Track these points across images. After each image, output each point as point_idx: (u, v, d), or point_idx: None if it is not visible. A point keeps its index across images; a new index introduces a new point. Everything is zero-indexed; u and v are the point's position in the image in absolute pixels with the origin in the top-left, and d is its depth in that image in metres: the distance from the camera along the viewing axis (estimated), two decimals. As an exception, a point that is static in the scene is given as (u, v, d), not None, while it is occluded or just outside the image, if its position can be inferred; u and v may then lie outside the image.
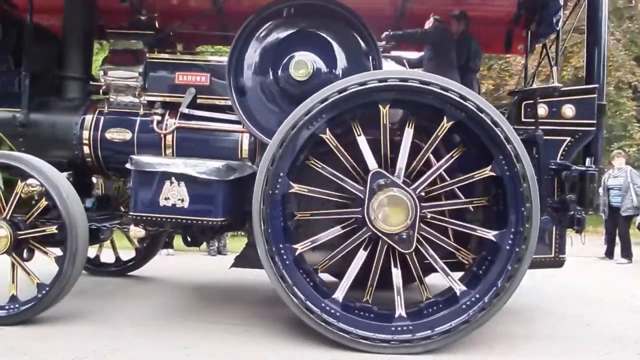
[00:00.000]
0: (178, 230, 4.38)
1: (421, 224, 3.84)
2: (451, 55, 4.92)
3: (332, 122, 3.83)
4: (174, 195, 3.85)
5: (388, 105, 3.75)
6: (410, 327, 3.74)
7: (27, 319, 4.02)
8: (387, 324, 3.76)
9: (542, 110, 4.30)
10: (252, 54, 4.25)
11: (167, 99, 4.48)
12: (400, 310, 3.78)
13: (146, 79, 4.48)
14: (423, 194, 3.83)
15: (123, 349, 3.56)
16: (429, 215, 3.84)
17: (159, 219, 3.92)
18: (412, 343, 3.69)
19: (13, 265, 4.12)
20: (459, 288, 3.83)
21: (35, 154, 4.52)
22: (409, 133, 3.87)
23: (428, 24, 5.01)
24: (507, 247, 3.77)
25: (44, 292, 3.97)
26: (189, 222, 3.90)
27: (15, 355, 3.41)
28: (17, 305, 4.05)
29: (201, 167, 3.82)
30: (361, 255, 3.90)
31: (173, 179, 3.84)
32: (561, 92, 4.33)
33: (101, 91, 4.58)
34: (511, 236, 3.76)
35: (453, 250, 4.03)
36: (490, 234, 3.83)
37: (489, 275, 3.81)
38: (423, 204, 3.80)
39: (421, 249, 3.89)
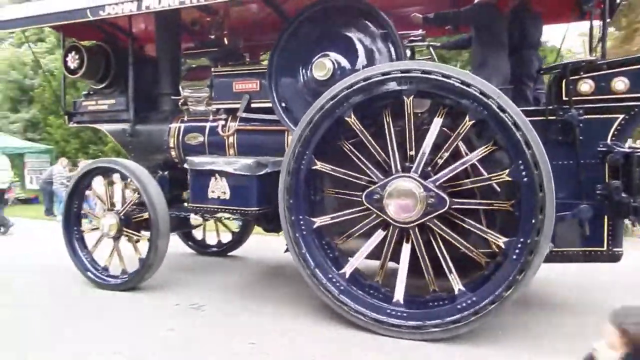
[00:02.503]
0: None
1: (436, 219, 3.88)
2: (500, 36, 4.55)
3: (359, 109, 4.06)
4: (219, 188, 4.55)
5: (412, 97, 3.84)
6: (405, 314, 3.87)
7: (134, 285, 5.12)
8: (384, 306, 3.94)
9: (586, 86, 3.92)
10: (287, 56, 4.67)
11: (229, 106, 5.18)
12: (399, 296, 3.91)
13: (212, 90, 5.24)
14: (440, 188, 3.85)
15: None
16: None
17: (209, 209, 4.66)
18: (401, 329, 3.84)
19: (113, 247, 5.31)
20: (458, 287, 3.83)
21: (141, 158, 5.69)
22: (437, 123, 3.90)
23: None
24: (514, 257, 3.64)
25: (142, 264, 5.03)
26: (231, 211, 4.56)
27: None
28: (126, 276, 5.19)
29: (236, 165, 4.45)
30: (377, 236, 4.10)
31: (217, 175, 4.55)
32: (611, 64, 3.88)
33: (180, 103, 5.48)
34: (519, 245, 3.63)
35: (465, 249, 3.93)
36: (500, 240, 3.72)
37: (492, 281, 3.74)
38: (434, 200, 3.82)
39: (433, 243, 3.94)
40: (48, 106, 20.05)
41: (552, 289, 5.17)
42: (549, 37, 11.12)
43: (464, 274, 4.03)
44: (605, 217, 3.90)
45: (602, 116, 3.90)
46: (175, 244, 6.73)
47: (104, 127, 6.09)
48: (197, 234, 7.12)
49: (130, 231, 5.20)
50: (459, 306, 3.73)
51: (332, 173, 4.23)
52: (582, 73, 3.93)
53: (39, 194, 15.41)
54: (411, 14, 4.82)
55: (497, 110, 3.60)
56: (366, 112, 4.17)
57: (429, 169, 4.00)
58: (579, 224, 3.87)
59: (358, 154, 4.17)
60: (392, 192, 3.90)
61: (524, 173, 3.59)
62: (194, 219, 4.94)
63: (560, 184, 3.88)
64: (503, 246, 3.70)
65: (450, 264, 3.88)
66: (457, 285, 3.83)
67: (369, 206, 4.03)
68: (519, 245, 3.63)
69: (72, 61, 5.68)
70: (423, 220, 3.88)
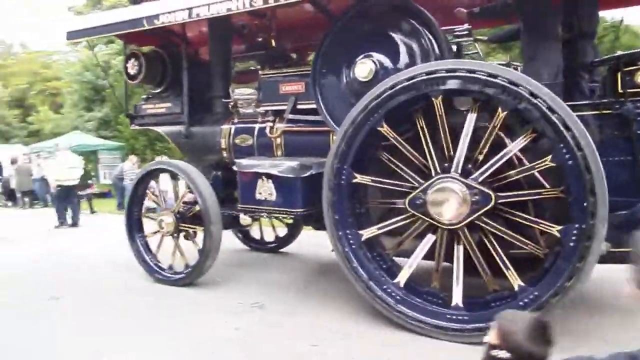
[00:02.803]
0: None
1: (484, 217, 3.81)
2: (551, 27, 4.32)
3: (392, 116, 4.04)
4: (265, 190, 4.69)
5: (440, 97, 3.80)
6: (466, 318, 3.80)
7: (197, 277, 5.39)
8: (443, 311, 3.90)
9: (643, 77, 3.69)
10: (331, 58, 4.72)
11: (277, 107, 5.30)
12: (457, 300, 3.85)
13: (260, 92, 5.38)
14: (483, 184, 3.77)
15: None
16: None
17: (256, 209, 4.81)
18: (464, 333, 3.76)
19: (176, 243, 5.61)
20: (518, 283, 3.71)
21: (195, 159, 5.96)
22: (471, 119, 3.84)
23: None
24: (571, 244, 3.48)
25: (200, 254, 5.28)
26: (278, 212, 4.68)
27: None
28: (189, 269, 5.45)
29: (281, 167, 4.57)
30: (427, 241, 4.08)
31: (263, 177, 4.69)
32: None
33: (230, 105, 5.66)
34: (575, 232, 3.46)
35: (520, 243, 3.82)
36: (554, 229, 3.58)
37: (551, 272, 3.59)
38: (478, 197, 3.75)
39: (485, 240, 3.87)
40: (118, 105, 21.27)
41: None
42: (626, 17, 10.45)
43: (522, 269, 3.89)
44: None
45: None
46: (230, 241, 7.01)
47: (162, 129, 6.41)
48: (253, 231, 7.37)
49: (187, 225, 5.45)
50: (521, 303, 3.62)
51: (373, 184, 4.25)
52: (639, 64, 3.71)
53: (112, 188, 16.46)
54: (456, 9, 4.71)
55: (530, 97, 3.49)
56: (402, 116, 4.14)
57: (470, 166, 3.91)
58: (636, 224, 3.66)
59: (396, 161, 4.16)
60: (434, 194, 3.86)
61: (567, 156, 3.44)
62: (243, 218, 5.12)
63: (618, 181, 3.72)
64: (558, 235, 3.56)
65: (507, 261, 3.79)
66: (515, 281, 3.72)
67: (414, 212, 4.01)
68: (575, 232, 3.46)
69: (132, 67, 6.01)
70: (471, 219, 3.81)
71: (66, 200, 10.74)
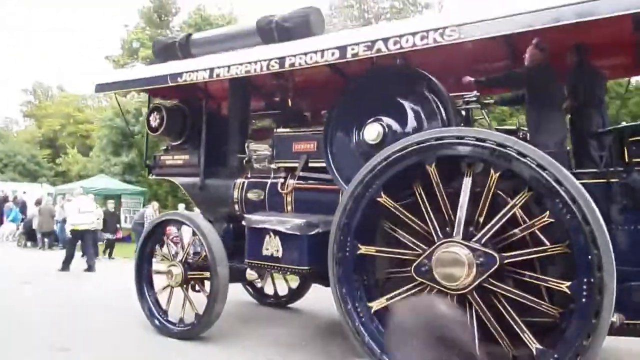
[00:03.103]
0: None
1: (492, 279, 3.76)
2: (554, 97, 4.49)
3: (391, 185, 4.12)
4: (272, 246, 4.74)
5: (434, 164, 3.89)
6: None
7: (204, 330, 5.36)
8: None
9: (653, 148, 3.72)
10: (342, 119, 4.88)
11: (289, 164, 5.44)
12: None
13: (274, 149, 5.54)
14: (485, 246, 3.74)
15: None
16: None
17: (263, 265, 4.85)
18: None
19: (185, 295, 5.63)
20: (536, 347, 3.57)
21: (208, 210, 6.08)
22: (467, 183, 3.87)
23: (528, 52, 4.60)
24: (583, 300, 3.38)
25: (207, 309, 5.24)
26: (283, 268, 4.71)
27: None
28: (196, 320, 5.42)
29: (288, 224, 4.63)
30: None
31: (271, 233, 4.75)
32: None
33: (244, 161, 5.83)
34: (584, 286, 3.37)
35: (533, 304, 3.70)
36: (563, 285, 3.50)
37: (569, 331, 3.46)
38: (483, 259, 3.72)
39: (496, 302, 3.80)
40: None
41: None
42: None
43: (541, 333, 3.79)
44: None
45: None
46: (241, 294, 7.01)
47: (178, 180, 6.59)
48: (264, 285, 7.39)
49: (195, 274, 5.51)
50: None
51: (378, 254, 4.28)
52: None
53: (132, 233, 16.68)
54: (465, 76, 4.86)
55: (519, 157, 3.54)
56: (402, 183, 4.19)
57: (472, 229, 3.90)
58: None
59: (398, 230, 4.19)
60: (438, 260, 3.85)
61: (563, 210, 3.43)
62: (249, 273, 5.16)
63: (629, 251, 3.70)
64: (568, 291, 3.47)
65: (521, 324, 3.67)
66: (533, 345, 3.59)
67: (420, 279, 3.97)
68: (584, 286, 3.37)
69: (154, 120, 6.28)
70: (478, 282, 3.75)
71: (81, 243, 10.96)
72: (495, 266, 3.67)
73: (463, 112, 5.06)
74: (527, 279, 3.71)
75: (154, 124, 6.28)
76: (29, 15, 73.96)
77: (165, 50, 6.21)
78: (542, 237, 3.80)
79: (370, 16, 31.82)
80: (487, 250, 3.71)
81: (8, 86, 62.43)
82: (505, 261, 3.71)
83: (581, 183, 3.77)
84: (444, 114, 4.41)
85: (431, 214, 3.98)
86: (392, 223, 4.28)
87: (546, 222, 3.58)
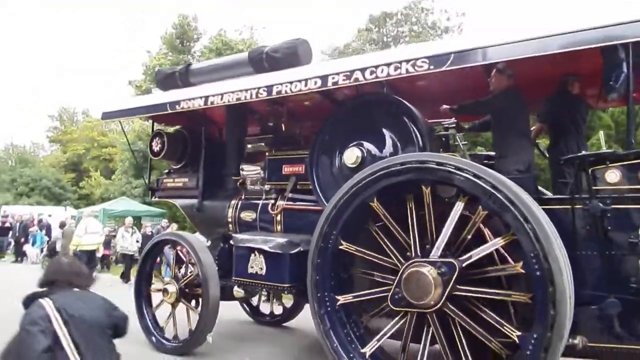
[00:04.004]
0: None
1: (454, 306, 3.86)
2: (518, 122, 4.60)
3: (385, 195, 4.27)
4: (257, 264, 4.97)
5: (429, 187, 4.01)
6: None
7: (196, 345, 5.59)
8: None
9: (613, 176, 3.84)
10: (327, 144, 5.13)
11: (279, 186, 5.69)
12: None
13: (266, 172, 5.81)
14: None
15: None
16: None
17: (248, 283, 5.07)
18: None
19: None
20: (516, 334, 3.62)
21: (205, 231, 6.35)
22: (458, 208, 3.95)
23: (493, 78, 4.78)
24: (527, 352, 3.51)
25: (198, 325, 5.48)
26: (267, 286, 4.92)
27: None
28: (189, 337, 5.66)
29: (271, 243, 4.87)
30: (398, 319, 4.16)
31: (255, 252, 4.98)
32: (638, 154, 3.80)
33: (238, 183, 6.10)
34: (532, 341, 3.49)
35: (483, 338, 3.78)
36: (515, 334, 3.62)
37: (526, 347, 3.54)
38: (444, 269, 3.83)
39: (464, 323, 3.92)
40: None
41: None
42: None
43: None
44: (641, 313, 3.66)
45: (631, 206, 3.77)
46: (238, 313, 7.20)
47: (177, 202, 6.90)
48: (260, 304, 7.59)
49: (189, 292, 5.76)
50: None
51: (357, 254, 4.45)
52: (608, 163, 3.87)
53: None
54: (443, 105, 5.08)
55: (507, 203, 3.62)
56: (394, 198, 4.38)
57: (447, 252, 4.00)
58: (608, 319, 3.66)
59: (383, 237, 4.37)
60: (407, 276, 4.00)
61: (536, 266, 3.52)
62: (237, 291, 5.36)
63: (590, 276, 3.84)
64: (517, 340, 3.61)
65: (468, 353, 3.80)
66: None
67: (398, 309, 4.08)
68: (532, 341, 3.50)
69: (156, 145, 6.63)
70: (446, 294, 3.81)
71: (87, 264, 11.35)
72: (456, 271, 3.77)
73: (444, 139, 5.27)
74: (484, 316, 3.80)
75: (156, 148, 6.63)
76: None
77: (166, 80, 6.59)
78: (507, 255, 3.95)
79: (389, 40, 32.35)
80: (444, 259, 3.86)
81: (35, 113, 64.78)
82: (464, 264, 3.79)
83: (549, 209, 3.95)
84: (420, 140, 4.61)
85: (415, 231, 4.11)
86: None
87: (508, 241, 3.71)
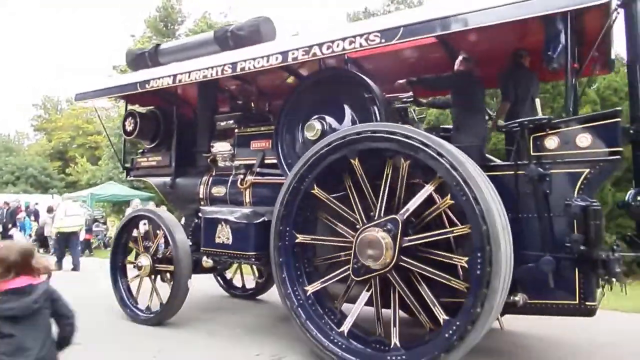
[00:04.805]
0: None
1: (403, 256, 4.12)
2: (475, 100, 4.90)
3: (325, 176, 4.55)
4: (224, 234, 5.18)
5: (357, 158, 4.33)
6: (404, 357, 4.03)
7: (168, 317, 5.80)
8: (384, 354, 4.16)
9: (552, 142, 4.08)
10: (291, 118, 5.32)
11: (248, 162, 5.87)
12: (395, 340, 4.11)
13: (235, 148, 5.98)
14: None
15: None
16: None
17: (216, 252, 5.28)
18: None
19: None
20: (443, 317, 3.94)
21: (179, 206, 6.53)
22: (387, 174, 4.27)
23: (457, 64, 5.05)
24: (477, 272, 3.73)
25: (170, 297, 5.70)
26: (233, 255, 5.14)
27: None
28: (158, 310, 5.89)
29: (237, 214, 5.07)
30: (364, 296, 4.41)
31: (222, 222, 5.18)
32: (575, 121, 4.03)
33: (209, 160, 6.27)
34: (478, 260, 3.72)
35: (444, 280, 4.05)
36: (463, 260, 3.89)
37: (467, 301, 3.82)
38: (389, 226, 4.13)
39: (414, 280, 4.18)
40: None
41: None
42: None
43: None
44: (576, 270, 3.92)
45: (567, 171, 4.01)
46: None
47: (152, 180, 7.06)
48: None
49: (162, 266, 5.95)
50: (446, 335, 3.82)
51: (313, 242, 4.75)
52: (547, 129, 4.10)
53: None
54: (403, 79, 5.28)
55: (449, 168, 3.85)
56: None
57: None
58: (544, 277, 3.92)
59: (330, 218, 4.64)
60: (359, 243, 4.23)
61: (460, 192, 3.78)
62: (205, 261, 5.55)
63: (530, 236, 4.10)
64: (467, 265, 3.84)
65: (432, 297, 4.06)
66: (441, 315, 3.95)
67: (360, 278, 4.31)
68: (478, 260, 3.71)
69: (129, 125, 6.76)
70: (397, 252, 4.08)
71: (68, 245, 11.56)
72: (400, 225, 4.05)
73: (403, 113, 5.48)
74: (435, 257, 4.09)
75: (128, 128, 6.77)
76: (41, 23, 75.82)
77: (136, 60, 6.71)
78: (454, 218, 4.20)
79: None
80: (387, 217, 4.13)
81: (18, 100, 63.95)
82: (405, 217, 4.08)
83: (494, 175, 4.21)
84: (377, 113, 4.81)
85: (358, 203, 4.38)
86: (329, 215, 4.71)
87: (449, 204, 3.96)
